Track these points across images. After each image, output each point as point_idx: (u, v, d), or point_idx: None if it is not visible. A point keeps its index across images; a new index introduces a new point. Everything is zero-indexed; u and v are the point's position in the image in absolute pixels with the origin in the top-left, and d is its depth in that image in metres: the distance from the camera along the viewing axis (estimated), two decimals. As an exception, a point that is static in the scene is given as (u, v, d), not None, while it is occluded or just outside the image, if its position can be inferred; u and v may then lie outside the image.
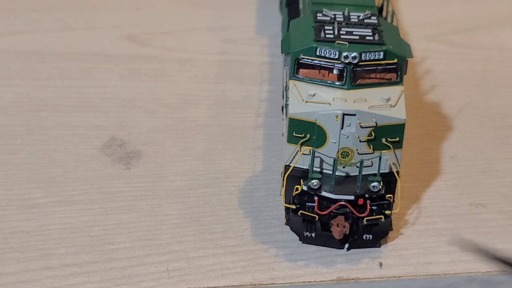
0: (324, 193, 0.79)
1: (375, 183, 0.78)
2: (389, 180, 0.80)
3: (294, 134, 0.79)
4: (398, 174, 0.80)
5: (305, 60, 0.80)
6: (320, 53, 0.79)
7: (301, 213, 0.79)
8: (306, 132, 0.78)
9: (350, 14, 0.85)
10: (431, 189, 0.91)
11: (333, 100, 0.78)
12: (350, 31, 0.81)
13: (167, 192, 0.89)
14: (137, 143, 0.97)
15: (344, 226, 0.79)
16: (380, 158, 0.78)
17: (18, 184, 0.90)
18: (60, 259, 0.80)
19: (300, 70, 0.80)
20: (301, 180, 0.79)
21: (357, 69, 0.79)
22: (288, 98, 0.81)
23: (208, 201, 0.88)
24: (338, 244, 0.82)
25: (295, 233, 0.82)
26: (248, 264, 0.80)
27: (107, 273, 0.79)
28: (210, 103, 1.05)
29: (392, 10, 0.97)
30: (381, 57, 0.79)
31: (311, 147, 0.79)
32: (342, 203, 0.78)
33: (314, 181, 0.78)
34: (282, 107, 0.93)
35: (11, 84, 1.08)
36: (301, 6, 1.03)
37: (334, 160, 0.78)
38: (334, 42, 0.79)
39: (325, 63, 0.79)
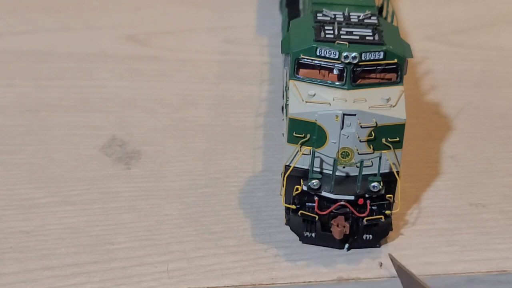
0: (324, 193, 0.79)
1: (375, 183, 0.78)
2: (389, 180, 0.80)
3: (294, 134, 0.79)
4: (398, 174, 0.80)
5: (305, 60, 0.80)
6: (320, 53, 0.79)
7: (301, 213, 0.79)
8: (306, 132, 0.78)
9: (350, 14, 0.85)
10: (431, 189, 0.91)
11: (333, 100, 0.78)
12: (350, 31, 0.81)
13: (167, 192, 0.89)
14: (137, 143, 0.97)
15: (344, 226, 0.79)
16: (380, 158, 0.78)
17: (18, 184, 0.90)
18: (60, 259, 0.80)
19: (300, 70, 0.80)
20: (301, 180, 0.79)
21: (357, 69, 0.79)
22: (288, 98, 0.81)
23: (208, 201, 0.88)
24: (338, 244, 0.82)
25: (295, 233, 0.82)
26: (248, 264, 0.80)
27: (107, 273, 0.79)
28: (210, 103, 1.05)
29: (392, 10, 0.97)
30: (381, 57, 0.79)
31: (311, 147, 0.79)
32: (342, 203, 0.78)
33: (314, 181, 0.78)
34: (282, 107, 0.93)
35: (11, 84, 1.08)
36: (301, 6, 1.03)
37: (334, 160, 0.78)
38: (334, 42, 0.79)
39: (325, 63, 0.79)
